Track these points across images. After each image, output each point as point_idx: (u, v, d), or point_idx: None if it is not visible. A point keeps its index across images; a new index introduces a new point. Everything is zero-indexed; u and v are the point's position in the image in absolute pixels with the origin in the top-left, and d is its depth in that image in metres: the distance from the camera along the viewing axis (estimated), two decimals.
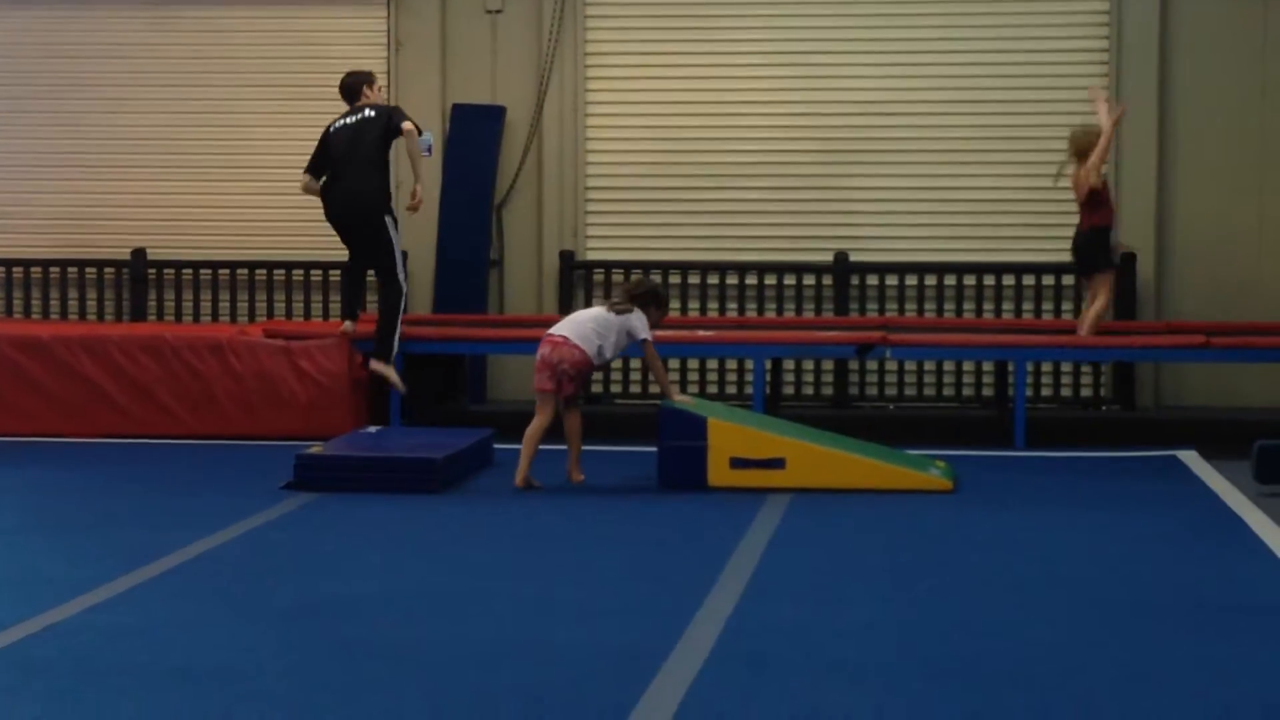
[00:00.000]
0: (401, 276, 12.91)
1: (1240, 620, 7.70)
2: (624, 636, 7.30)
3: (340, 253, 15.02)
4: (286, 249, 15.44)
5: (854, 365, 14.91)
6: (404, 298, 12.95)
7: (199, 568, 8.71)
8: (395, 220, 12.88)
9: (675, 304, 14.75)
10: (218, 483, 11.23)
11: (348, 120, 12.94)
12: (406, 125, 12.74)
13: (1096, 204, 13.06)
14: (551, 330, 11.12)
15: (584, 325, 11.06)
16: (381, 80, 14.18)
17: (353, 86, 13.13)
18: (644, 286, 11.35)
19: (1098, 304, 13.21)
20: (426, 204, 13.32)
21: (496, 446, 11.95)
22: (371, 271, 13.20)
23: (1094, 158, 12.95)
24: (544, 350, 10.99)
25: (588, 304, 14.92)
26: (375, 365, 12.88)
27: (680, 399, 11.24)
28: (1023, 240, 14.89)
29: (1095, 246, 13.12)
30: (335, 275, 15.32)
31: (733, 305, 15.04)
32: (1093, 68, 14.83)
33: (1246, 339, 13.20)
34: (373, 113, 12.91)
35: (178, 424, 13.00)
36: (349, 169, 12.79)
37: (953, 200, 14.96)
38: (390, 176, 13.10)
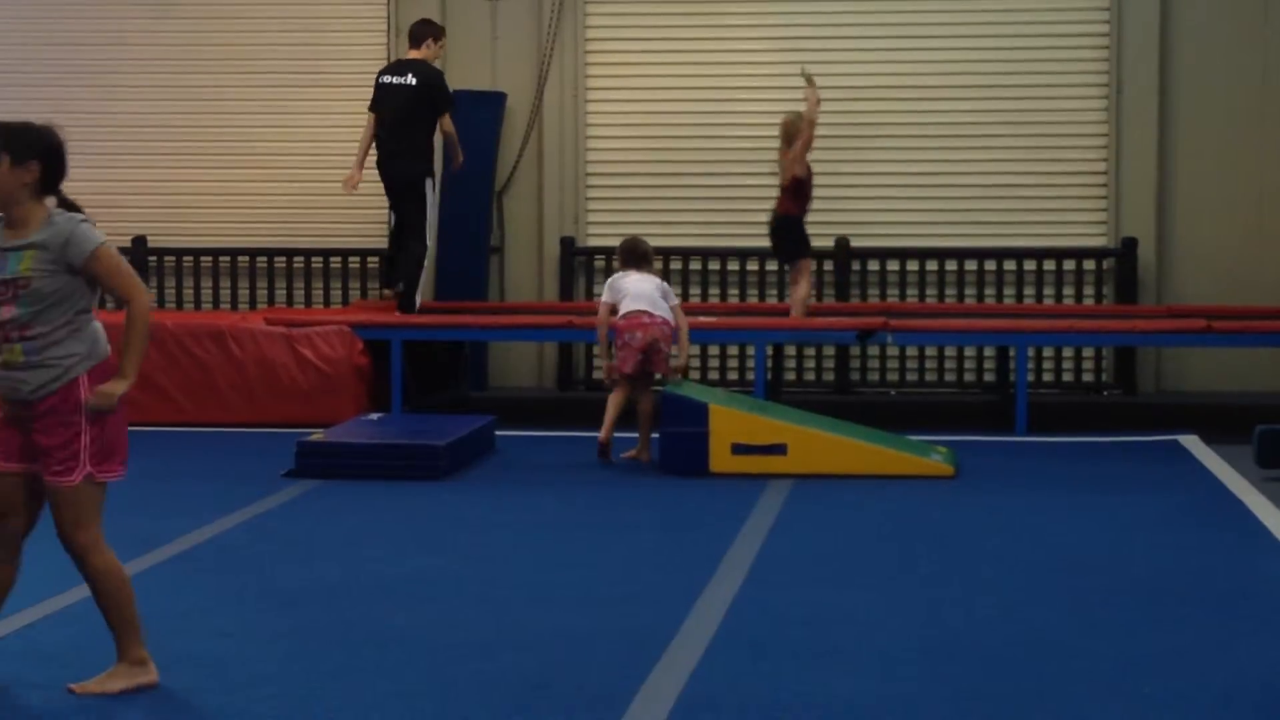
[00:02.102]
0: (429, 239, 13.55)
1: (1240, 603, 7.71)
2: (626, 622, 7.31)
3: (339, 240, 15.23)
4: (287, 236, 15.44)
5: (855, 351, 14.90)
6: (425, 255, 13.56)
7: (201, 555, 8.71)
8: (435, 185, 13.53)
9: (676, 290, 14.73)
10: (219, 470, 11.23)
11: (394, 79, 13.51)
12: (447, 128, 13.36)
13: (795, 192, 13.09)
14: (638, 310, 11.23)
15: (656, 296, 11.34)
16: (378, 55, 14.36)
17: (415, 35, 13.71)
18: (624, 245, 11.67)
19: (799, 290, 13.27)
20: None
21: (498, 433, 11.96)
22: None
23: (798, 147, 12.97)
24: (646, 334, 11.17)
25: (589, 291, 14.95)
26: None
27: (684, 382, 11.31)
28: (1024, 225, 14.89)
29: (785, 235, 13.19)
30: (336, 262, 15.35)
31: (734, 291, 15.04)
32: (1094, 52, 14.82)
33: (1247, 323, 13.20)
34: (415, 82, 13.37)
35: (179, 411, 13.00)
36: (395, 132, 13.39)
37: (954, 186, 14.96)
38: (433, 141, 13.55)
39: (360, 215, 15.12)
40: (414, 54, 13.55)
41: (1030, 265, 14.84)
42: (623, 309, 11.32)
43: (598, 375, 15.03)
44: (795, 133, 13.00)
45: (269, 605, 7.64)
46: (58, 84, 15.65)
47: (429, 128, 13.39)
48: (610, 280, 11.57)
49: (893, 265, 14.94)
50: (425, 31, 13.64)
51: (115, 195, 15.61)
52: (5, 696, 6.29)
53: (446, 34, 13.94)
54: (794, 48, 15.03)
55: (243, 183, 15.51)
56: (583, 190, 15.17)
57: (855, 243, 14.88)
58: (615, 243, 14.93)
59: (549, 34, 15.11)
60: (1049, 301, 14.76)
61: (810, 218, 14.95)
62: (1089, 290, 14.83)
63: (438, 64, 13.70)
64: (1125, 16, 14.71)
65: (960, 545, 8.98)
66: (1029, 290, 14.85)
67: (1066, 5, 14.86)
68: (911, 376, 15.00)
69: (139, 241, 15.45)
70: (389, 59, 15.09)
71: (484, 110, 14.97)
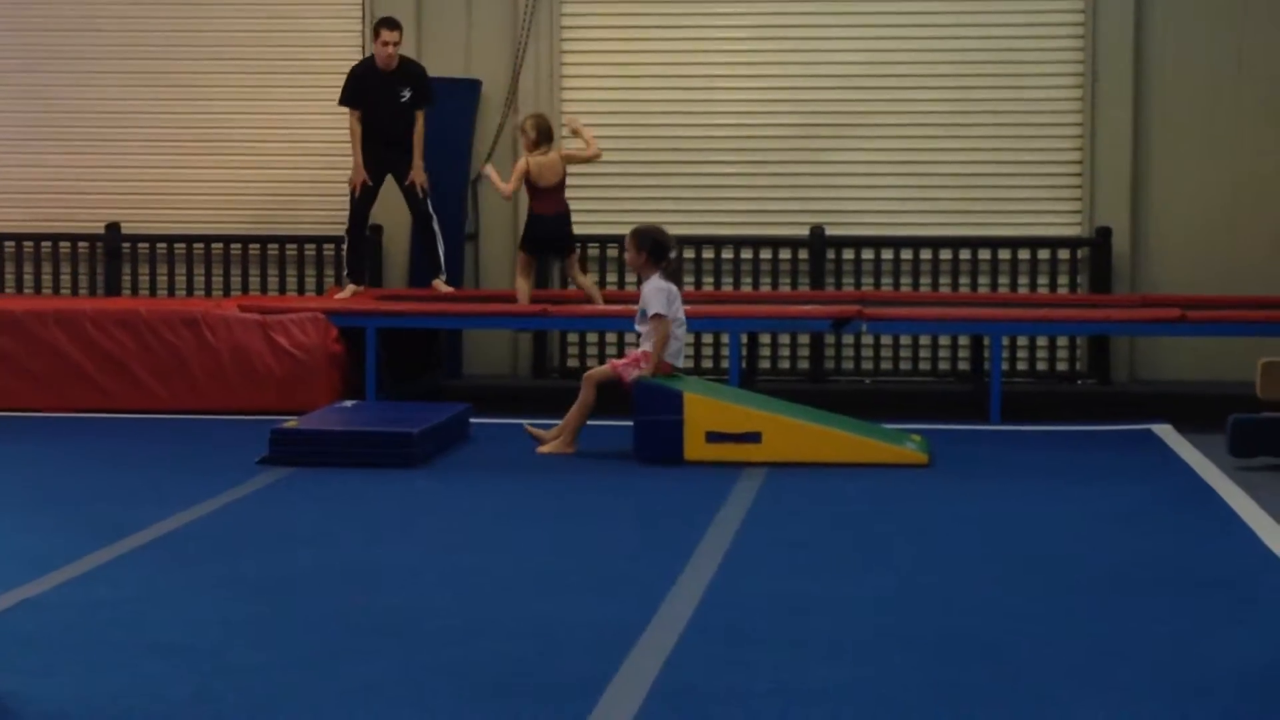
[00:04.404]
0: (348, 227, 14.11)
1: (1214, 593, 7.72)
2: (601, 610, 7.30)
3: (313, 227, 15.24)
4: (261, 223, 15.41)
5: (830, 339, 14.91)
6: (347, 240, 14.18)
7: (175, 542, 8.69)
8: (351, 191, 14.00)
9: None
10: (193, 457, 11.21)
11: None
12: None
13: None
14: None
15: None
16: (355, 56, 14.40)
17: None
18: (645, 229, 11.55)
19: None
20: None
21: (472, 421, 11.95)
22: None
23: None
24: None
25: (563, 279, 14.95)
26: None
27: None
28: (998, 214, 14.91)
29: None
30: (310, 249, 15.32)
31: (709, 279, 15.04)
32: (1068, 41, 14.84)
33: (1222, 313, 13.23)
34: None
35: (152, 398, 12.97)
36: None
37: (929, 175, 14.97)
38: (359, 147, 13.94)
39: (335, 203, 15.08)
40: None
41: (1005, 254, 14.86)
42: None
43: (572, 364, 15.04)
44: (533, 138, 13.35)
45: (242, 593, 7.62)
46: (31, 70, 15.60)
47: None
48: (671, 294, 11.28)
49: (868, 254, 14.94)
50: None
51: (90, 181, 15.58)
52: None
53: (387, 27, 13.81)
54: (770, 35, 15.05)
55: (218, 169, 15.47)
56: None
57: (830, 231, 14.88)
58: (590, 230, 15.01)
59: (524, 21, 15.08)
60: (1023, 291, 14.77)
61: (786, 206, 15.02)
62: (1063, 279, 14.85)
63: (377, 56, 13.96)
64: (1100, 5, 14.73)
65: (934, 534, 8.99)
66: (1003, 279, 14.87)
67: None
68: (886, 365, 15.01)
69: (113, 228, 15.41)
70: (364, 47, 15.11)
71: (459, 97, 14.95)
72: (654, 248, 11.31)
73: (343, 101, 13.88)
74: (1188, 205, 14.81)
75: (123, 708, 5.96)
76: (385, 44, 13.66)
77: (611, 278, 15.00)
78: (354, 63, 14.39)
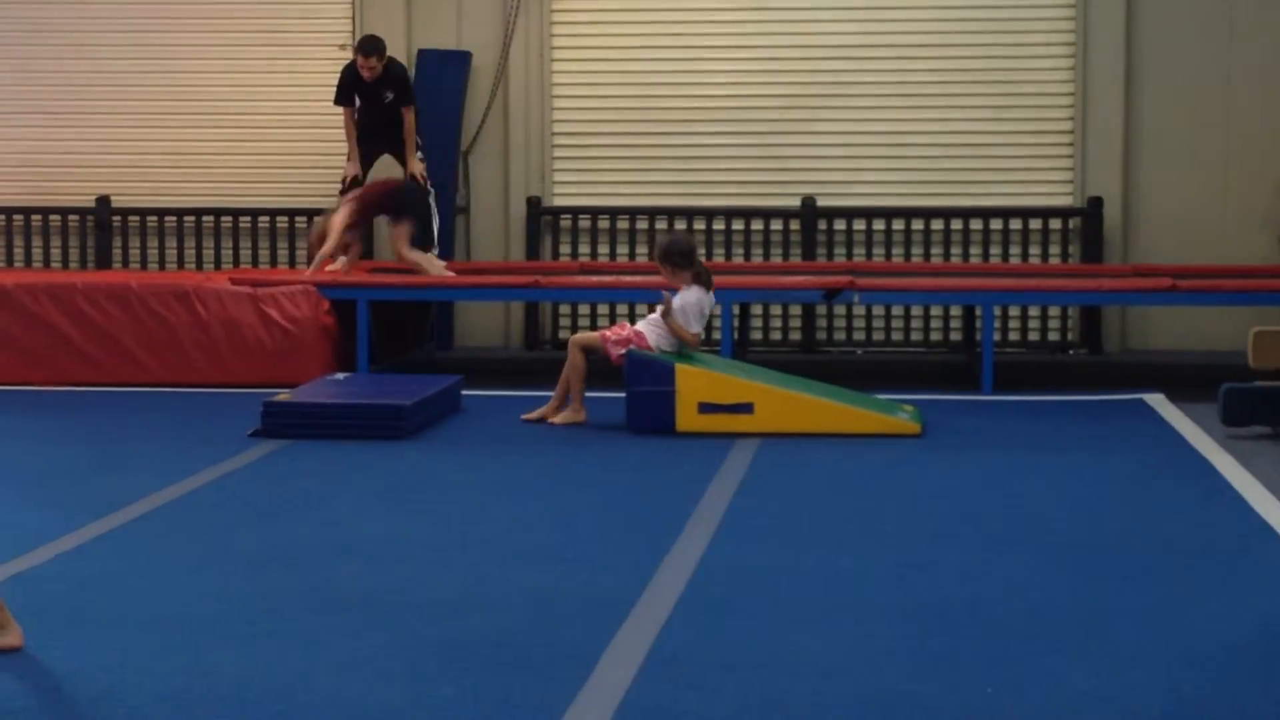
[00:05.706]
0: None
1: (1206, 561, 7.73)
2: (593, 582, 7.31)
3: (304, 200, 15.21)
4: (252, 196, 15.38)
5: (821, 310, 14.90)
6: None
7: (167, 515, 8.69)
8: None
9: (641, 249, 14.76)
10: (185, 431, 11.20)
11: None
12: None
13: None
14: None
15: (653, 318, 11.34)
16: (345, 27, 14.42)
17: None
18: (664, 246, 11.51)
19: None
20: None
21: (464, 393, 11.95)
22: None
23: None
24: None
25: (555, 251, 14.96)
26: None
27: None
28: (990, 185, 14.89)
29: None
30: (301, 222, 15.29)
31: (700, 250, 15.00)
32: (1060, 10, 14.81)
33: (1213, 282, 13.22)
34: None
35: (144, 372, 12.96)
36: None
37: (921, 145, 14.94)
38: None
39: (325, 175, 15.05)
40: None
41: (996, 224, 14.84)
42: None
43: (564, 335, 15.03)
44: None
45: (235, 566, 7.62)
46: (19, 43, 15.55)
47: None
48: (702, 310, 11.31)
49: (859, 224, 14.92)
50: None
51: (79, 155, 15.54)
52: None
53: (364, 54, 13.74)
54: (760, 5, 15.01)
55: (208, 142, 15.43)
56: (549, 150, 15.13)
57: (822, 202, 14.87)
58: (581, 202, 15.01)
59: None
60: (1015, 261, 14.77)
61: (777, 177, 15.01)
62: (1055, 249, 14.84)
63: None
64: None
65: (926, 504, 8.99)
66: (995, 249, 14.86)
67: None
68: (878, 335, 15.00)
69: (103, 201, 15.38)
70: (353, 19, 15.07)
71: (449, 69, 14.92)
72: (670, 260, 11.30)
73: (336, 102, 14.05)
74: (1179, 175, 14.79)
75: (116, 680, 5.97)
76: (363, 68, 13.77)
77: (603, 249, 15.00)
78: (343, 36, 14.40)
